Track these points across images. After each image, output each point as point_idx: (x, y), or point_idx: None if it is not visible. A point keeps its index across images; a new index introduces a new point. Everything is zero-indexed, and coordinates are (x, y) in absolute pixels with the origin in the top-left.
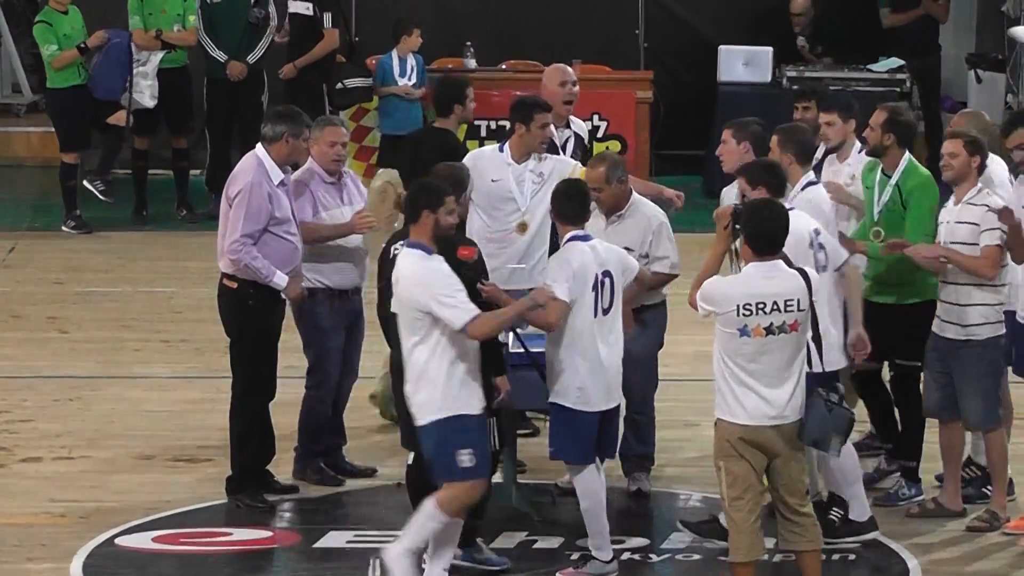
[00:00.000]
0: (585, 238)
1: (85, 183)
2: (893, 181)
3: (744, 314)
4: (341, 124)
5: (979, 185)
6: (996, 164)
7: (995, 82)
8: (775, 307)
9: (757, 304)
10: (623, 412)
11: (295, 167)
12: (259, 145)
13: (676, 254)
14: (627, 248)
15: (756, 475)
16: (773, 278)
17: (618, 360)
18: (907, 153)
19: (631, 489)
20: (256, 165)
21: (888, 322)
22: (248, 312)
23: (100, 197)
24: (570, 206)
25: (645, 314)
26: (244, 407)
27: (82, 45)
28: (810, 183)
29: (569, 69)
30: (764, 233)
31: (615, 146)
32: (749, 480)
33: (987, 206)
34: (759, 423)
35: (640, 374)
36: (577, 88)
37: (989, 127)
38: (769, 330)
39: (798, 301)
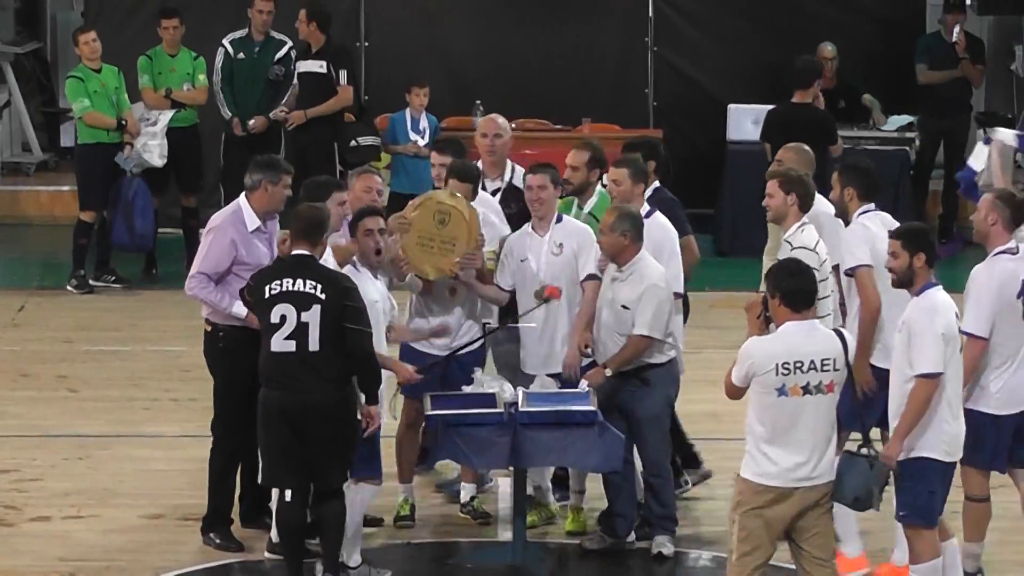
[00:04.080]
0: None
1: (100, 282)
2: (587, 209)
3: (783, 373)
4: (377, 173)
5: (803, 221)
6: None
7: None
8: (812, 366)
9: (795, 363)
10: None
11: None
12: (243, 194)
13: (656, 320)
14: (624, 306)
15: (769, 536)
16: (813, 336)
17: None
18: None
19: (653, 552)
20: (232, 211)
21: None
22: (219, 353)
23: (118, 284)
24: None
25: (649, 373)
26: (221, 447)
27: (123, 122)
28: None
29: (497, 122)
30: (799, 289)
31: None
32: (761, 539)
33: (803, 246)
34: (788, 485)
35: (651, 435)
36: (500, 141)
37: (813, 161)
38: (806, 390)
39: (834, 361)
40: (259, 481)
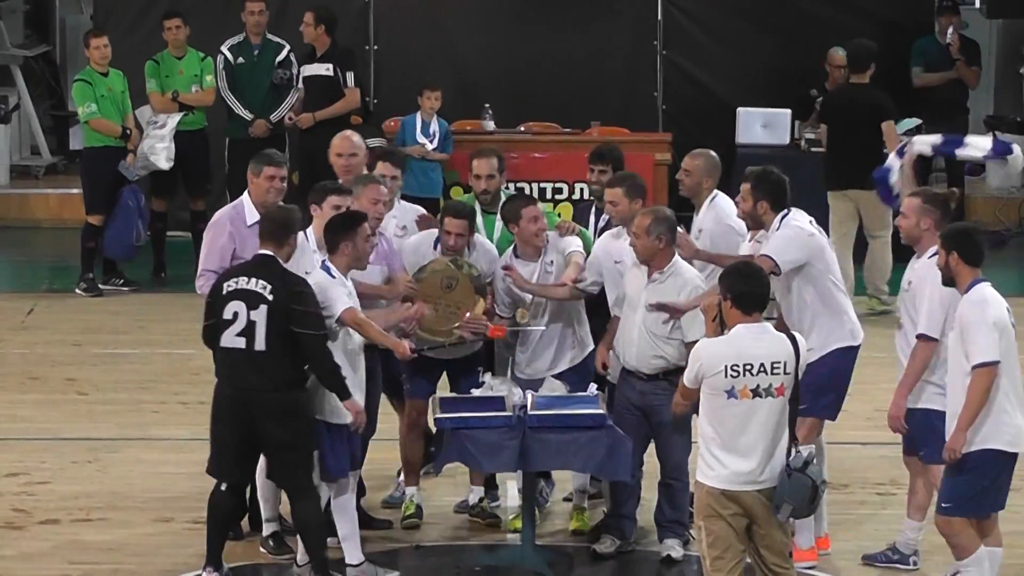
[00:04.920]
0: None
1: (109, 285)
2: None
3: (732, 375)
4: (383, 183)
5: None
6: (724, 200)
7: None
8: (762, 369)
9: (745, 365)
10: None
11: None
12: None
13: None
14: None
15: (736, 535)
16: (762, 339)
17: None
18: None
19: (662, 555)
20: (233, 206)
21: None
22: None
23: (127, 287)
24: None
25: (678, 376)
26: None
27: (127, 131)
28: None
29: (352, 140)
30: (750, 292)
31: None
32: (729, 540)
33: None
34: (736, 487)
35: (675, 439)
36: (356, 160)
37: (719, 166)
38: (756, 392)
39: (784, 364)
40: (206, 470)
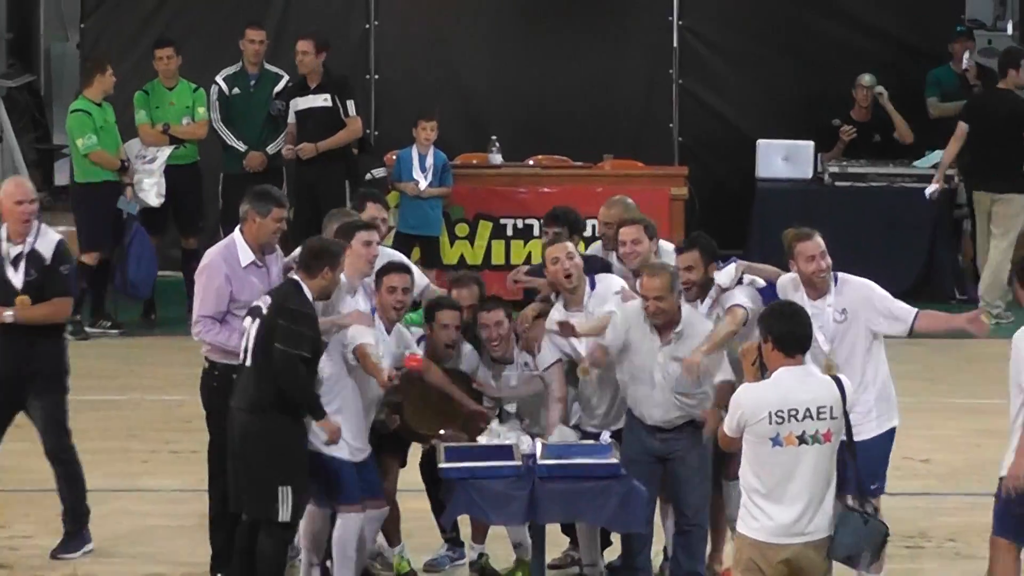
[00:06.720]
0: None
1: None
2: None
3: (777, 421)
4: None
5: None
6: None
7: None
8: (808, 414)
9: (790, 411)
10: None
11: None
12: (238, 227)
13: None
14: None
15: None
16: (807, 383)
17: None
18: None
19: None
20: (224, 246)
21: None
22: (211, 392)
23: (115, 330)
24: None
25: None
26: (211, 490)
27: (125, 163)
28: None
29: (27, 185)
30: (793, 333)
31: None
32: None
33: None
34: (782, 540)
35: (700, 482)
36: (34, 206)
37: (637, 211)
38: (802, 439)
39: (831, 409)
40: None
